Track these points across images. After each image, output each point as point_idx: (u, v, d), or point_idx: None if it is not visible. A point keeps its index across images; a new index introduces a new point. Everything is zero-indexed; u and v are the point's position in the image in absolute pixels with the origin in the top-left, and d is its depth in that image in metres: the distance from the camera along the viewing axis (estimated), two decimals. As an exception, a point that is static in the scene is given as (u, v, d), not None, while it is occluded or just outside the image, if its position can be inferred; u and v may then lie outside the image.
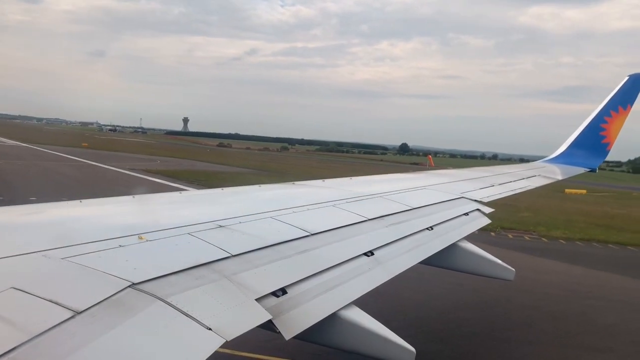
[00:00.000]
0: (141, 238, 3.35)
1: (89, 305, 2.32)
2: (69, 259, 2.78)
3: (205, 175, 47.60)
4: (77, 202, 4.33)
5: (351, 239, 4.63)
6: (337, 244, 4.37)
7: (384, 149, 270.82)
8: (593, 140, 15.70)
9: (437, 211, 6.68)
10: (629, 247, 25.74)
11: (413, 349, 3.62)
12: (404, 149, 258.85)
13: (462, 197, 7.97)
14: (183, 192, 5.32)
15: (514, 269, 6.44)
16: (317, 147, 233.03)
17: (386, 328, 3.63)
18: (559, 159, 16.24)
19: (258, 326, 2.89)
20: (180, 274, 2.95)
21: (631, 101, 15.26)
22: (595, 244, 26.11)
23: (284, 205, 5.04)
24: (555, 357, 11.36)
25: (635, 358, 11.81)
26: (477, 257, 6.24)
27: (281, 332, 3.01)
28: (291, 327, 3.08)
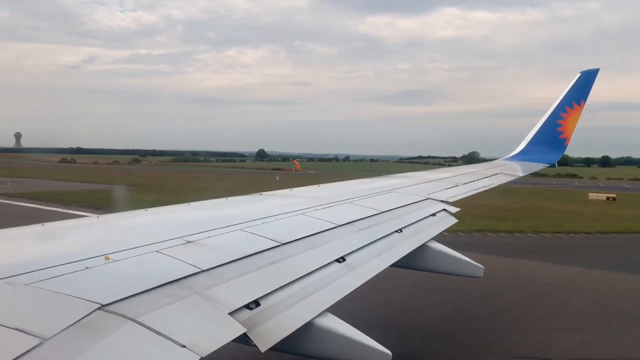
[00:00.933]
0: (108, 258, 3.28)
1: (57, 331, 2.25)
2: (33, 284, 2.69)
3: (81, 196, 44.06)
4: (39, 225, 4.20)
5: (322, 246, 4.63)
6: (308, 252, 4.36)
7: (242, 156, 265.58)
8: (551, 136, 16.15)
9: (405, 213, 6.75)
10: (517, 234, 28.59)
11: (389, 352, 3.64)
12: (261, 155, 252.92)
13: (429, 199, 8.07)
14: (149, 209, 5.23)
15: (482, 266, 6.55)
16: (172, 157, 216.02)
17: (361, 333, 3.64)
18: (519, 156, 16.63)
19: (233, 340, 2.86)
20: (150, 293, 2.89)
21: (584, 97, 15.79)
22: (489, 234, 28.37)
23: (253, 217, 5.00)
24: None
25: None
26: (447, 257, 6.33)
27: (256, 344, 2.98)
28: (266, 338, 3.05)
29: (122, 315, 2.55)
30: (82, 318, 2.41)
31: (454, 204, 8.26)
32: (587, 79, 15.83)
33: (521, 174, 14.24)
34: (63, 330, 2.27)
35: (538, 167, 15.86)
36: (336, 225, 5.23)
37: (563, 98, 15.95)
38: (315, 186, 7.94)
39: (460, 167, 15.24)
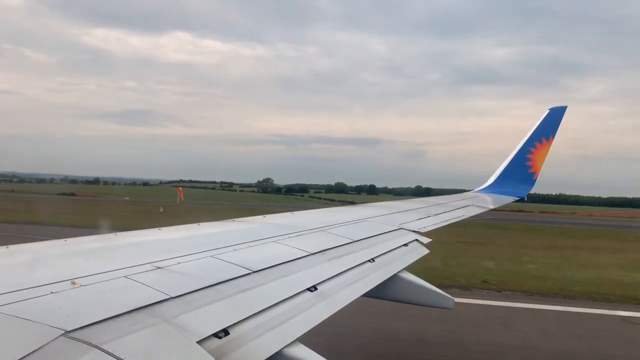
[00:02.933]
0: (74, 283, 3.20)
1: (18, 358, 2.18)
2: None
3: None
4: (3, 247, 4.09)
5: (294, 274, 4.61)
6: (279, 281, 4.33)
7: None
8: (520, 170, 16.65)
9: (378, 243, 6.78)
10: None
11: None
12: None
13: (401, 229, 8.12)
14: (118, 233, 5.14)
15: (453, 298, 6.59)
16: None
17: None
18: (489, 189, 17.00)
19: None
20: (117, 319, 2.83)
21: (553, 132, 16.36)
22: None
23: (225, 243, 4.96)
24: None
25: None
26: (418, 287, 6.36)
27: None
28: None
29: (87, 343, 2.48)
30: (46, 344, 2.34)
31: (425, 234, 8.32)
32: (555, 116, 16.42)
33: (491, 207, 14.54)
34: (24, 356, 2.20)
35: (508, 200, 16.25)
36: (308, 254, 5.22)
37: (532, 134, 16.50)
38: (288, 213, 7.93)
39: (433, 197, 15.45)
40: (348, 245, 6.13)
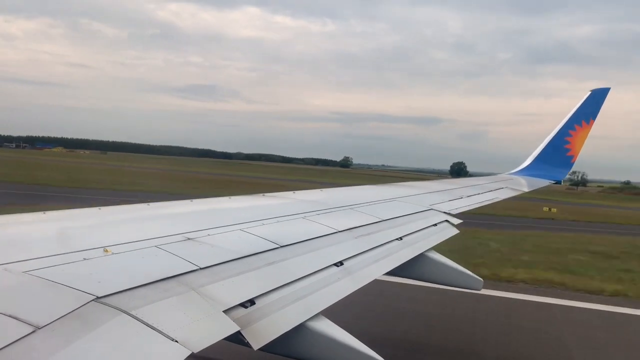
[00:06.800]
0: (107, 251, 3.30)
1: (51, 320, 2.27)
2: (30, 272, 2.72)
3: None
4: (40, 213, 4.24)
5: (320, 250, 4.64)
6: (306, 255, 4.37)
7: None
8: (558, 153, 16.23)
9: (407, 222, 6.75)
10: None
11: (381, 359, 3.63)
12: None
13: (432, 209, 8.07)
14: (151, 203, 5.26)
15: (482, 279, 6.54)
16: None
17: (354, 338, 3.63)
18: (524, 172, 16.67)
19: (226, 338, 2.87)
20: (146, 287, 2.91)
21: (594, 115, 15.85)
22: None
23: (254, 217, 5.02)
24: None
25: None
26: (446, 267, 6.33)
27: (249, 342, 2.99)
28: (259, 337, 3.07)
29: (116, 308, 2.57)
30: (77, 308, 2.43)
31: (456, 216, 8.25)
32: (597, 98, 15.88)
33: (526, 190, 14.25)
34: (57, 319, 2.30)
35: (544, 183, 15.89)
36: (336, 231, 5.24)
37: (572, 116, 16.02)
38: (317, 190, 7.96)
39: (466, 179, 15.26)
40: (376, 223, 6.12)
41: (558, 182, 16.32)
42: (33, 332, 2.16)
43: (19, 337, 2.10)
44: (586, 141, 16.10)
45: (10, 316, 2.22)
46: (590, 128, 15.89)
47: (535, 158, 16.72)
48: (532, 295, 16.99)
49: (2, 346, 2.01)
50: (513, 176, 16.39)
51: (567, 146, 16.10)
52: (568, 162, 16.18)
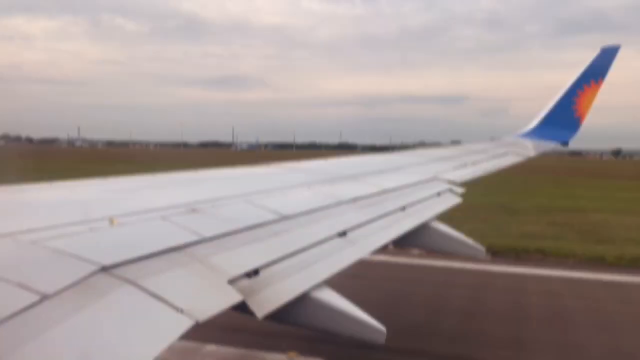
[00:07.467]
0: (113, 221, 3.34)
1: (58, 289, 2.32)
2: (39, 242, 2.76)
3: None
4: (47, 184, 4.28)
5: (324, 220, 4.68)
6: (310, 226, 4.41)
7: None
8: (565, 114, 15.76)
9: (410, 192, 6.77)
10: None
11: (384, 328, 3.69)
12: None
13: (435, 178, 8.07)
14: (156, 174, 5.29)
15: (484, 248, 6.59)
16: None
17: (357, 308, 3.69)
18: (530, 134, 16.32)
19: (231, 308, 2.92)
20: (152, 258, 2.96)
21: (603, 74, 15.26)
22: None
23: (258, 188, 5.05)
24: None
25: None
26: (449, 236, 6.37)
27: (254, 310, 3.05)
28: (263, 306, 3.12)
29: (122, 278, 2.62)
30: (84, 278, 2.48)
31: (460, 184, 8.25)
32: (607, 56, 15.26)
33: (532, 154, 13.99)
34: (64, 288, 2.35)
35: (550, 145, 15.54)
36: (339, 201, 5.27)
37: (581, 75, 15.46)
38: (321, 160, 7.97)
39: (470, 145, 15.00)
40: (379, 193, 6.15)
41: (565, 144, 15.96)
42: (40, 300, 2.21)
43: (27, 305, 2.15)
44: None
45: (18, 285, 2.27)
46: (600, 87, 15.31)
47: (542, 119, 16.29)
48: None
49: (10, 313, 2.06)
50: (518, 139, 16.08)
51: (574, 107, 15.58)
52: (576, 123, 15.72)
